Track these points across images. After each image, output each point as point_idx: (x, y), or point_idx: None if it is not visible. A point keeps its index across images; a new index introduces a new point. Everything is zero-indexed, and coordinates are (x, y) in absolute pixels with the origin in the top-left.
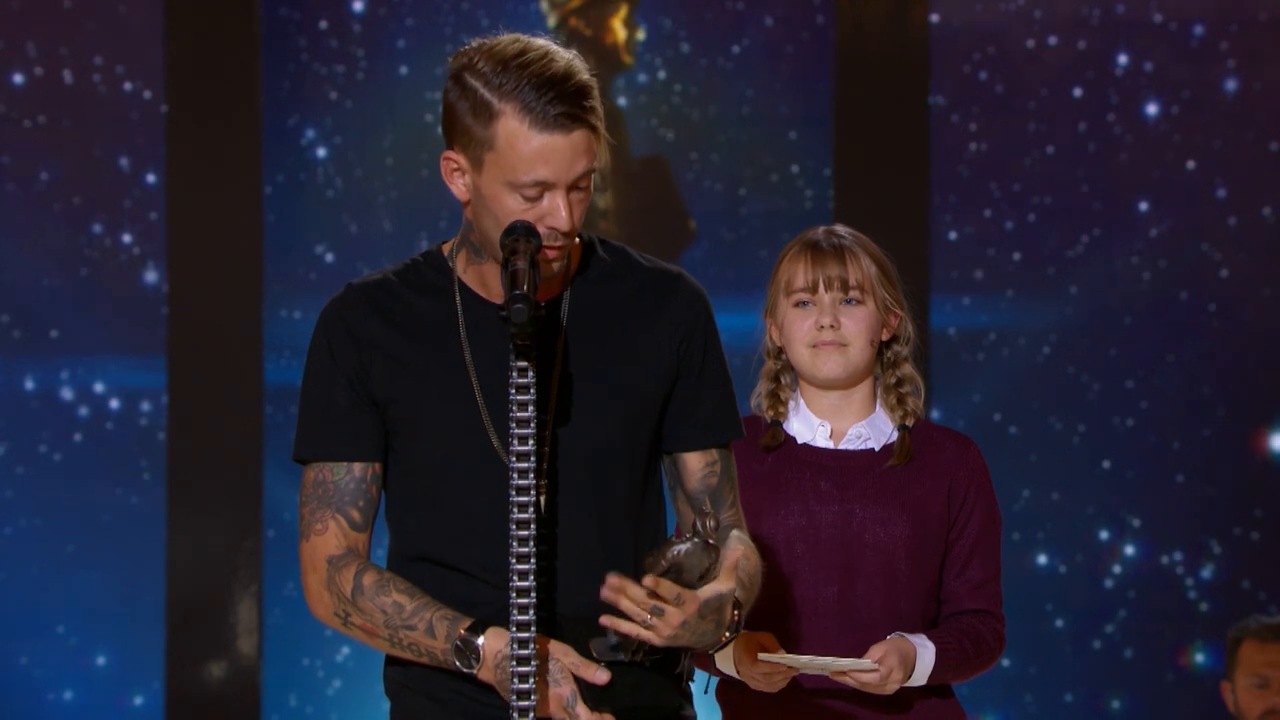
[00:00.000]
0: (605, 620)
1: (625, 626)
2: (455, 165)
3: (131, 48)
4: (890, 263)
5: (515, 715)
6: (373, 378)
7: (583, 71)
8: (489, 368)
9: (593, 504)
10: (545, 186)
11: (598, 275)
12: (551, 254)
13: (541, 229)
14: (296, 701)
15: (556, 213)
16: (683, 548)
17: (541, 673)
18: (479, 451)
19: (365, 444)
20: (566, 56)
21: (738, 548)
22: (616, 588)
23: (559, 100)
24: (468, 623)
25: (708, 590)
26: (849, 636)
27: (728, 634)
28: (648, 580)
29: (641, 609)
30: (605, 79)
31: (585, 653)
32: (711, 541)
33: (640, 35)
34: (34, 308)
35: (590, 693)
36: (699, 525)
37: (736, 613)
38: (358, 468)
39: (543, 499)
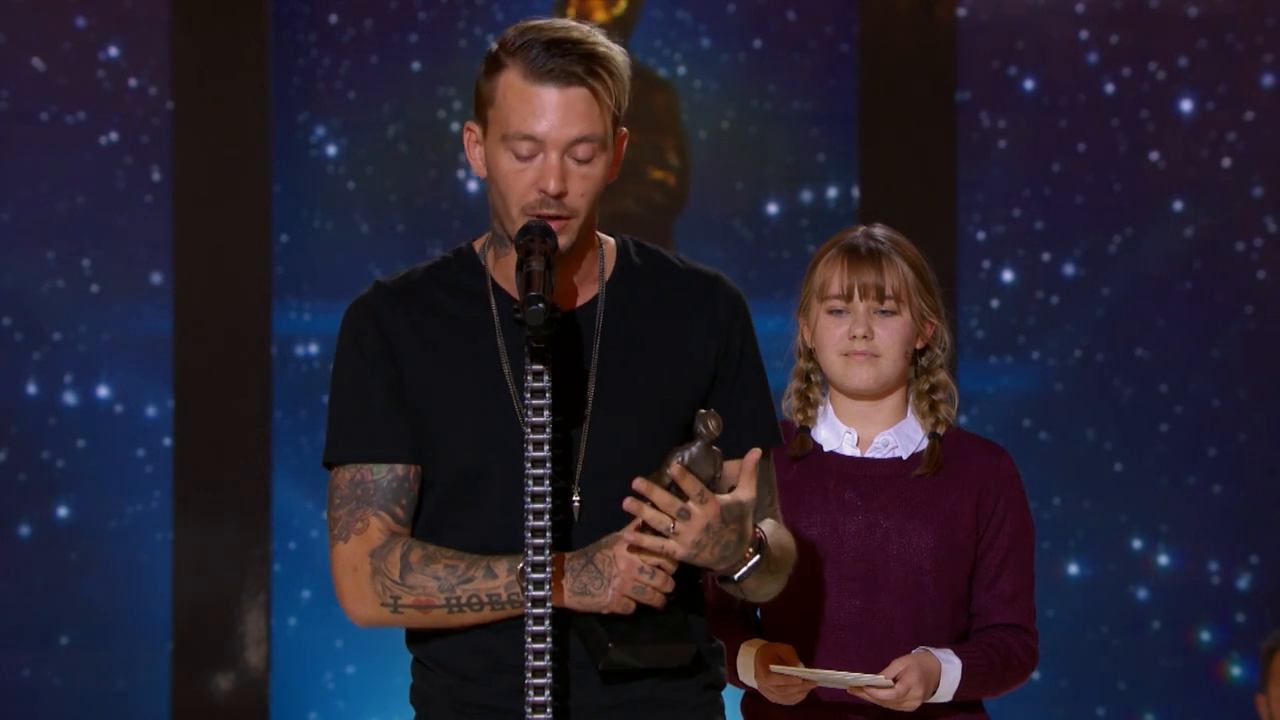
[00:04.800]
0: (628, 504)
1: (649, 541)
2: (474, 136)
3: (137, 42)
4: (929, 268)
5: None
6: (407, 381)
7: (603, 45)
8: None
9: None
10: (536, 143)
11: (632, 277)
12: (551, 225)
13: (534, 195)
14: (306, 714)
15: (546, 175)
16: (690, 451)
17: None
18: (514, 455)
19: (407, 445)
20: (596, 33)
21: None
22: (645, 490)
23: (561, 56)
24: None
25: (727, 496)
26: (871, 650)
27: (751, 550)
28: (673, 469)
29: (668, 512)
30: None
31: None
32: (716, 449)
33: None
34: (36, 310)
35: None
36: (702, 427)
37: (758, 530)
38: (400, 468)
39: (577, 502)
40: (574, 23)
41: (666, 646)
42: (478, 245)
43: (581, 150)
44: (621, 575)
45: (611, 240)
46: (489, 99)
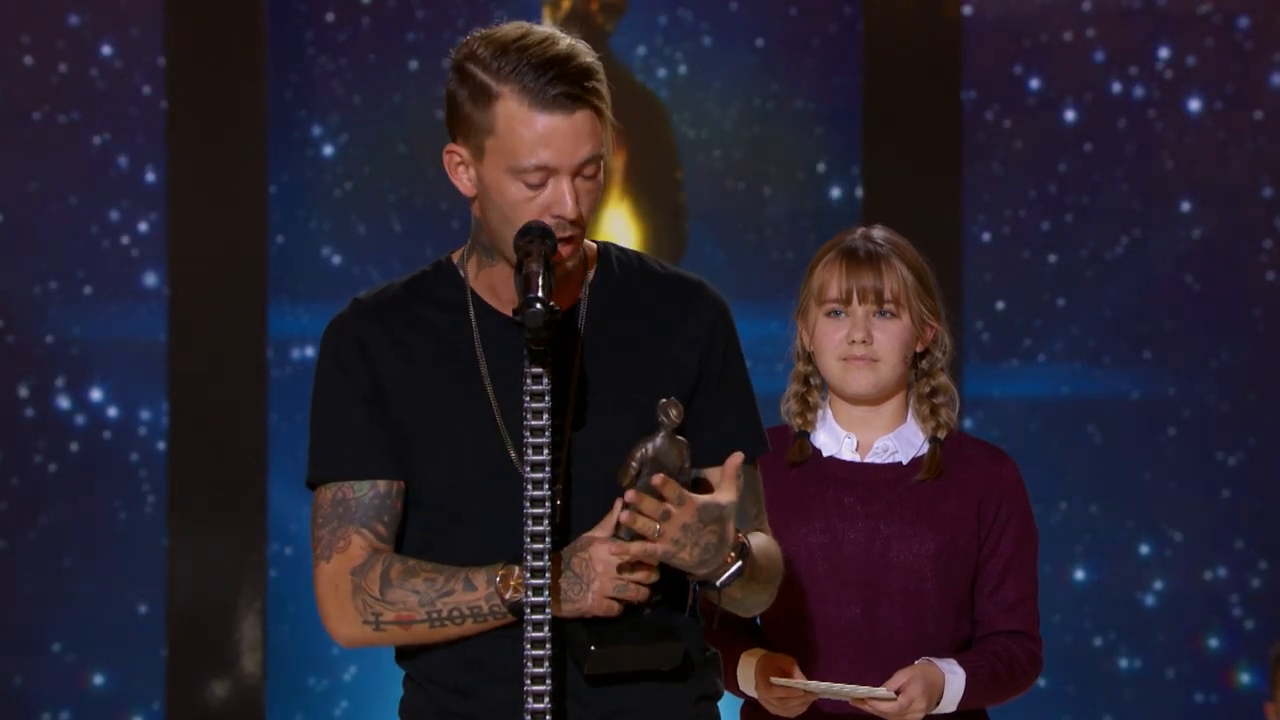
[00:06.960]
0: (624, 517)
1: (634, 547)
2: (459, 159)
3: (131, 41)
4: (929, 271)
5: None
6: (388, 396)
7: (587, 54)
8: (506, 382)
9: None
10: (548, 171)
11: (614, 282)
12: (564, 249)
13: (548, 219)
14: None
15: (561, 200)
16: (654, 443)
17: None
18: (498, 468)
19: (388, 461)
20: (570, 40)
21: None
22: (634, 501)
23: (560, 80)
24: (503, 563)
25: (705, 497)
26: (871, 658)
27: (733, 554)
28: (656, 479)
29: (652, 516)
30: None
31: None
32: (681, 438)
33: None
34: (28, 312)
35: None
36: (663, 416)
37: (742, 535)
38: (382, 484)
39: (559, 506)
40: (551, 32)
41: (652, 647)
42: (456, 257)
43: (589, 168)
44: (600, 577)
45: (593, 245)
46: (486, 129)
